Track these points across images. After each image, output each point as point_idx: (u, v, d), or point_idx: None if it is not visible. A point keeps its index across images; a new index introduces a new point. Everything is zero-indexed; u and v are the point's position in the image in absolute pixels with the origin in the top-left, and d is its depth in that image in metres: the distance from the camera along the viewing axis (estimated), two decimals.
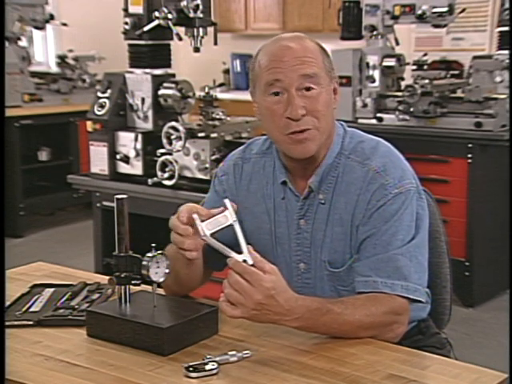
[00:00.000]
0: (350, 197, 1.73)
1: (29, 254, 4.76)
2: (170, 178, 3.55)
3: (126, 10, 3.72)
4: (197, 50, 3.62)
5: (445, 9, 4.39)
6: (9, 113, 5.44)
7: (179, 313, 1.64)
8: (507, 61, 4.37)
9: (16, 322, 1.71)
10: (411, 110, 4.37)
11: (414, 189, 1.73)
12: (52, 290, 1.92)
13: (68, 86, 6.25)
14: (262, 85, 1.73)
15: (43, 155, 6.14)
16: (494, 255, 4.31)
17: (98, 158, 3.81)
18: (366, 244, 1.70)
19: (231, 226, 1.58)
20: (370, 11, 4.66)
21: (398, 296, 1.65)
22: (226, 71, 7.90)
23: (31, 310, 1.79)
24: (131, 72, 3.80)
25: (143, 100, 3.74)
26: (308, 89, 1.70)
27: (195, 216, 1.60)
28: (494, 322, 4.06)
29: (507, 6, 4.68)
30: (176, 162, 3.53)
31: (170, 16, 3.55)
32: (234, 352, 1.50)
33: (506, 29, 4.60)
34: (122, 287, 1.66)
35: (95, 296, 1.85)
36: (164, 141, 3.52)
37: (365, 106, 4.63)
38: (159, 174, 3.57)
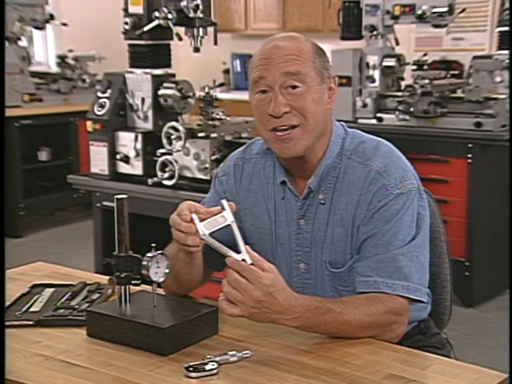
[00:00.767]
0: (351, 197, 1.72)
1: (29, 254, 4.77)
2: (170, 178, 3.55)
3: (125, 10, 3.72)
4: (197, 50, 3.61)
5: (445, 9, 4.38)
6: (9, 113, 5.44)
7: (179, 313, 1.64)
8: (507, 61, 4.37)
9: (16, 322, 1.71)
10: (411, 109, 4.37)
11: (415, 189, 1.73)
12: (52, 289, 1.92)
13: (68, 85, 6.25)
14: (250, 83, 1.75)
15: (43, 155, 6.14)
16: (494, 255, 4.31)
17: (97, 157, 3.81)
18: (366, 244, 1.69)
19: (229, 226, 1.59)
20: (370, 11, 4.66)
21: (398, 296, 1.65)
22: (226, 71, 7.89)
23: (31, 310, 1.79)
24: (131, 72, 3.80)
25: (143, 100, 3.74)
26: (294, 87, 1.70)
27: (194, 216, 1.61)
28: (494, 322, 4.06)
29: (507, 5, 4.68)
30: (176, 162, 3.53)
31: (170, 16, 3.55)
32: (234, 352, 1.50)
33: (506, 29, 4.60)
34: (122, 287, 1.66)
35: (95, 296, 1.85)
36: (164, 141, 3.52)
37: (365, 106, 4.63)
38: (159, 174, 3.57)
